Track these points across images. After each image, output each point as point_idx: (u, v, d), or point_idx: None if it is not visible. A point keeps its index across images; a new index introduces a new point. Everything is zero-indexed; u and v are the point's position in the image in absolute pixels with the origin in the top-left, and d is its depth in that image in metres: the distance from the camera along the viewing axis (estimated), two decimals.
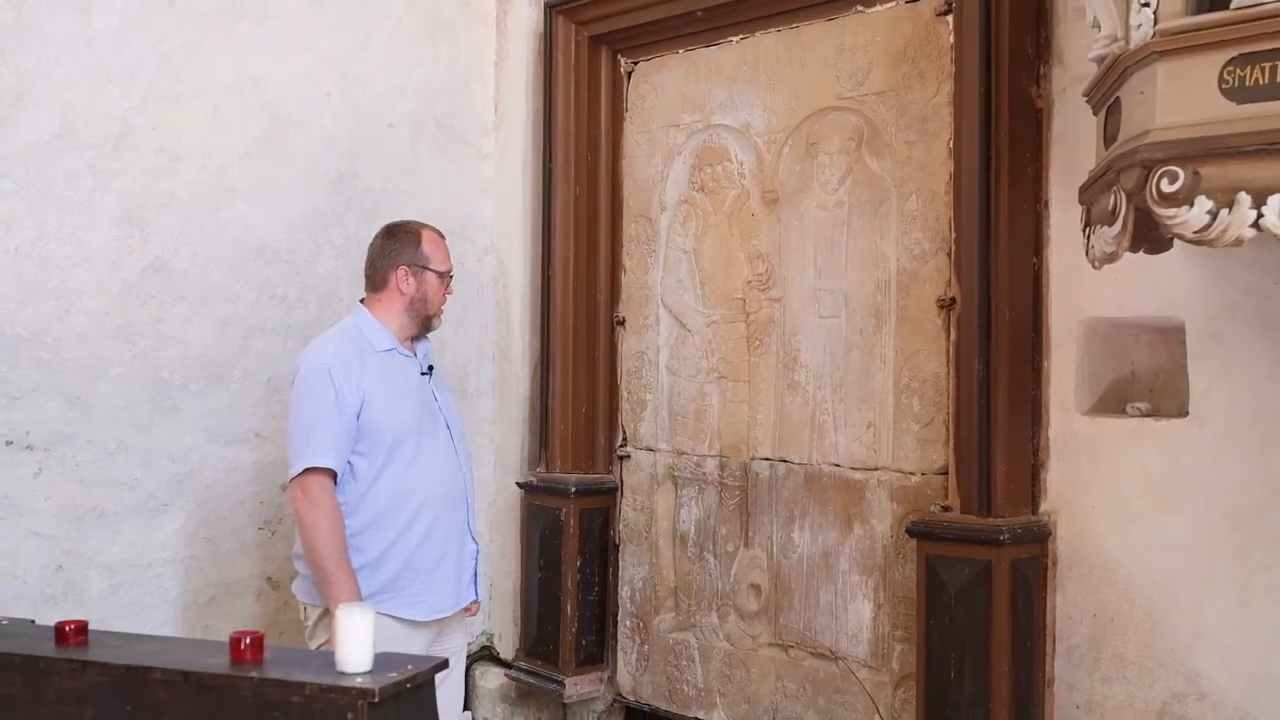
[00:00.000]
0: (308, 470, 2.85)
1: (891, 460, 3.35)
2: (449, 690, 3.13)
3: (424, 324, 3.09)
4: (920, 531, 3.07)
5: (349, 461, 2.92)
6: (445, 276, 3.10)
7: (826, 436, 3.50)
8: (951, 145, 3.16)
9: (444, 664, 2.33)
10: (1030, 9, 3.00)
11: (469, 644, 3.92)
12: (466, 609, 3.16)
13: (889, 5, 3.36)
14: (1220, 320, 2.73)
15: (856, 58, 3.44)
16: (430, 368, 3.11)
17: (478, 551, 3.16)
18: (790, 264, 3.60)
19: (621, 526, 4.10)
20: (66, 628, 2.36)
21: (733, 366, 3.76)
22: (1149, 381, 3.01)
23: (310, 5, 3.81)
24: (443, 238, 3.15)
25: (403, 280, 3.04)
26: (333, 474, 2.87)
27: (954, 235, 3.12)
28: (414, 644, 2.87)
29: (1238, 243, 1.92)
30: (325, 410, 2.87)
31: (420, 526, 2.98)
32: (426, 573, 2.99)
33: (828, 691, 3.48)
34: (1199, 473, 2.76)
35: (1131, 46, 2.10)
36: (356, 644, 2.16)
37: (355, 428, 2.90)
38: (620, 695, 4.07)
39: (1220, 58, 1.93)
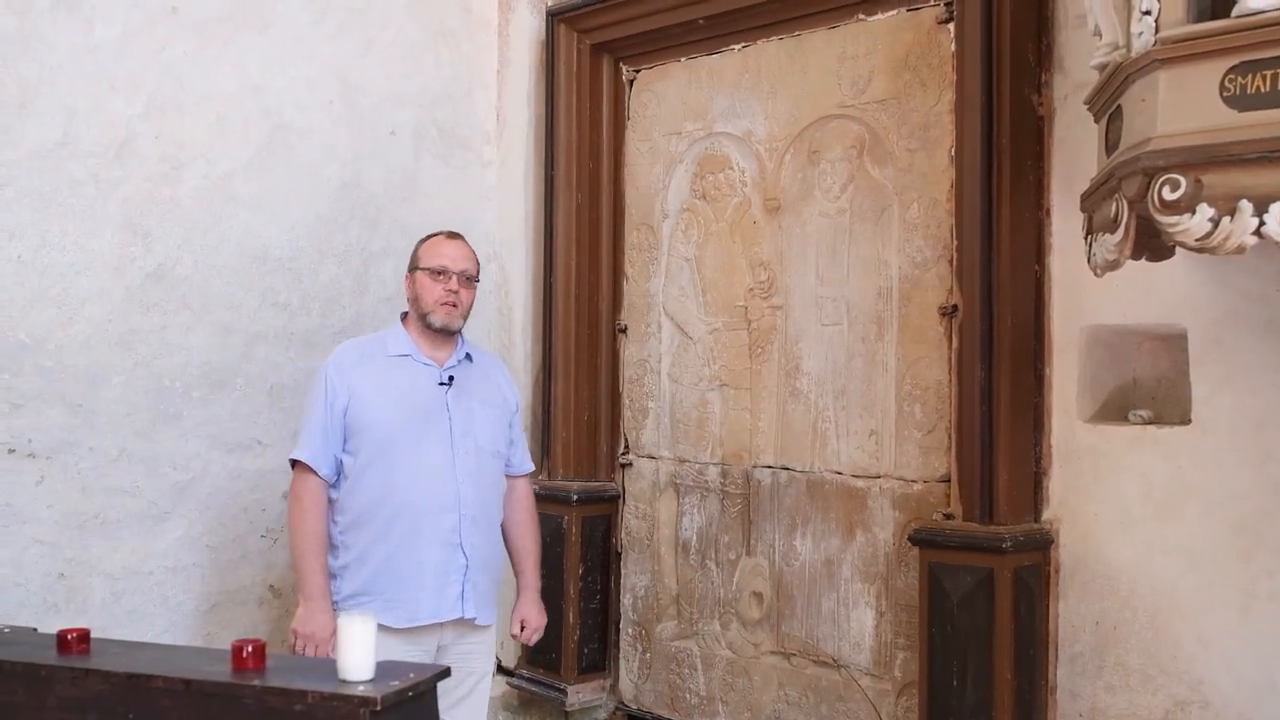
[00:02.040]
0: (295, 463, 3.01)
1: (893, 468, 3.35)
2: (470, 710, 3.12)
3: (424, 323, 3.07)
4: (922, 539, 3.07)
5: (339, 459, 3.00)
6: (433, 273, 3.05)
7: (828, 444, 3.50)
8: (953, 153, 3.16)
9: (445, 671, 2.32)
10: (1031, 17, 3.01)
11: None
12: (467, 623, 3.08)
13: (891, 14, 3.37)
14: (1222, 327, 2.73)
15: (858, 66, 3.45)
16: (451, 378, 3.09)
17: (467, 567, 3.03)
18: (792, 272, 3.60)
19: (623, 534, 4.09)
20: (68, 635, 2.36)
21: (735, 374, 3.77)
22: (1151, 389, 3.01)
23: (311, 13, 3.82)
24: (451, 236, 3.15)
25: (406, 288, 3.15)
26: (316, 470, 2.98)
27: (956, 243, 3.13)
28: (392, 650, 2.83)
29: (1239, 250, 1.92)
30: (314, 409, 3.01)
31: (397, 530, 2.96)
32: (401, 578, 2.96)
33: (830, 699, 3.47)
34: (1201, 480, 2.76)
35: (1133, 54, 2.10)
36: (358, 652, 2.16)
37: (342, 426, 2.99)
38: (622, 703, 4.06)
39: (1221, 66, 1.94)
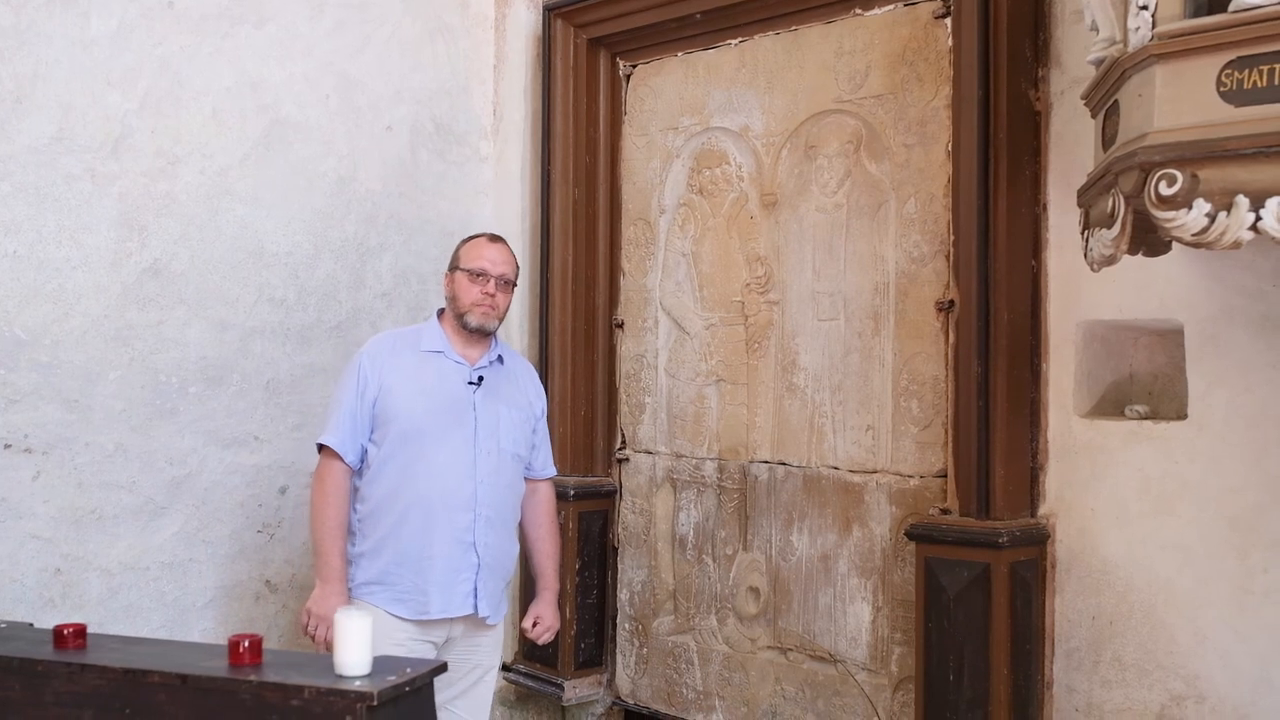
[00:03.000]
0: (321, 447, 3.05)
1: (890, 463, 3.35)
2: (473, 703, 3.13)
3: (460, 322, 3.10)
4: (919, 534, 3.07)
5: (365, 447, 3.04)
6: (472, 275, 3.08)
7: (825, 439, 3.51)
8: (950, 148, 3.16)
9: (442, 667, 2.32)
10: (1028, 12, 3.00)
11: None
12: (477, 620, 3.08)
13: (887, 8, 3.37)
14: (1218, 323, 2.73)
15: (855, 61, 3.45)
16: (480, 378, 3.10)
17: (479, 566, 3.04)
18: (789, 267, 3.60)
19: (620, 529, 4.10)
20: (65, 631, 2.36)
21: (731, 369, 3.77)
22: (1147, 384, 3.02)
23: (309, 8, 3.81)
24: (493, 240, 3.19)
25: (445, 286, 3.18)
26: (341, 456, 3.02)
27: (953, 238, 3.13)
28: (402, 639, 2.90)
29: (1236, 245, 1.92)
30: (346, 395, 3.05)
31: (412, 523, 2.98)
32: (414, 571, 2.98)
33: (826, 694, 3.47)
34: (1197, 475, 2.77)
35: (1130, 49, 2.10)
36: (355, 647, 2.16)
37: (370, 415, 3.04)
38: (619, 698, 4.07)
39: (1218, 60, 1.93)
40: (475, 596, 3.04)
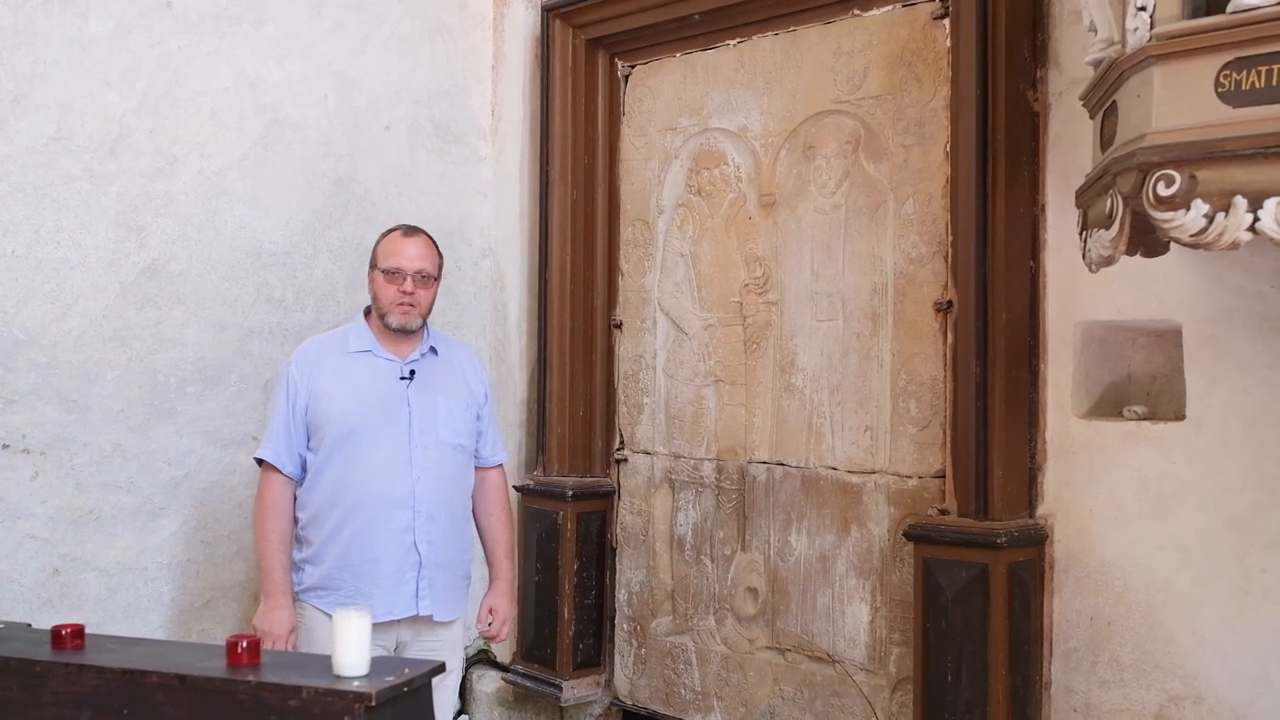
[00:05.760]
0: (260, 461, 3.06)
1: (888, 463, 3.35)
2: (437, 706, 3.11)
3: (383, 321, 3.07)
4: (917, 535, 3.07)
5: (304, 456, 3.05)
6: (389, 274, 3.04)
7: (824, 440, 3.51)
8: (948, 149, 3.16)
9: (441, 667, 2.32)
10: (1026, 13, 3.00)
11: (465, 647, 3.90)
12: (424, 620, 3.06)
13: (886, 9, 3.37)
14: (1217, 323, 2.73)
15: (853, 61, 3.45)
16: (412, 372, 3.08)
17: (421, 564, 3.03)
18: (787, 267, 3.60)
19: (619, 530, 4.09)
20: (63, 631, 2.36)
21: (730, 370, 3.77)
22: (1146, 384, 3.02)
23: (307, 8, 3.81)
24: (407, 234, 3.11)
25: (368, 284, 3.16)
26: (279, 469, 3.03)
27: (951, 238, 3.13)
28: None
29: (1234, 246, 1.92)
30: (278, 407, 3.06)
31: (352, 526, 2.98)
32: (357, 575, 2.98)
33: (825, 695, 3.47)
34: (1196, 476, 2.77)
35: (1128, 50, 2.10)
36: (353, 648, 2.16)
37: (304, 424, 3.03)
38: (617, 699, 4.07)
39: (1216, 61, 1.93)
40: (418, 597, 3.04)
